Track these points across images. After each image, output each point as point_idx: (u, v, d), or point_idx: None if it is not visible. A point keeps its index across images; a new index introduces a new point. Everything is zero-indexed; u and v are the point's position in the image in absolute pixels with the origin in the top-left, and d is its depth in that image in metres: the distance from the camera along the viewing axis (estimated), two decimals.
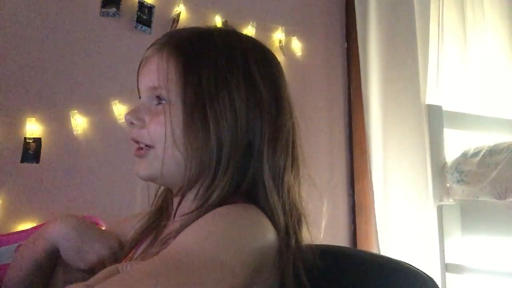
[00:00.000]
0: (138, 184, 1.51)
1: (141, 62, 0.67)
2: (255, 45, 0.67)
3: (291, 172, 0.64)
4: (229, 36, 0.66)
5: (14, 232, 1.25)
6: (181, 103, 0.61)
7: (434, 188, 1.74)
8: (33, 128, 1.37)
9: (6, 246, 1.01)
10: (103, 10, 1.51)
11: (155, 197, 0.75)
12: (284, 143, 0.63)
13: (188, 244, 0.49)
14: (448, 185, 1.76)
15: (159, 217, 0.72)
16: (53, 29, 1.44)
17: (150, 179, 0.66)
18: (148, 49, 0.67)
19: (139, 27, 1.56)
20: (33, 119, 1.37)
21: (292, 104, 0.68)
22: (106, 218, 1.27)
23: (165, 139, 0.60)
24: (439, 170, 1.77)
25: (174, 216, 0.65)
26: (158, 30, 1.60)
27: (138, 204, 0.82)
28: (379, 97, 1.86)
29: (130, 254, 0.70)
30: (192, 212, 0.58)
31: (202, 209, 0.58)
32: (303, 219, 0.64)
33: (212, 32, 0.66)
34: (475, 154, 1.66)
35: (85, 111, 1.45)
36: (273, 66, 0.67)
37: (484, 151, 1.64)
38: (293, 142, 0.65)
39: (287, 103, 0.66)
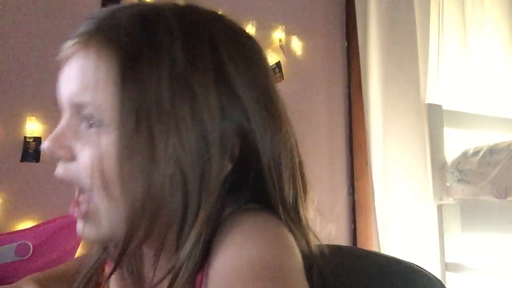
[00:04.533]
0: None
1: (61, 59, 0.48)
2: (228, 30, 0.47)
3: (303, 202, 0.50)
4: (189, 17, 0.45)
5: (14, 232, 1.25)
6: (117, 126, 0.42)
7: (434, 187, 1.74)
8: (33, 127, 1.37)
9: (6, 246, 1.01)
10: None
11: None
12: (289, 171, 0.48)
13: (252, 257, 0.40)
14: (448, 184, 1.76)
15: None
16: (53, 28, 1.43)
17: (100, 242, 0.49)
18: (68, 42, 0.48)
19: None
20: (33, 118, 1.37)
21: (287, 114, 0.50)
22: None
23: (105, 179, 0.42)
24: (439, 169, 1.77)
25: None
26: None
27: None
28: (379, 96, 1.86)
29: None
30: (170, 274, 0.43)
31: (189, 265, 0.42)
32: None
33: (162, 12, 0.44)
34: (475, 153, 1.66)
35: None
36: (255, 60, 0.48)
37: (484, 150, 1.64)
38: (300, 164, 0.50)
39: (282, 112, 0.49)
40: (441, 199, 1.74)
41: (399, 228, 1.76)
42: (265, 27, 1.81)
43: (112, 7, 0.47)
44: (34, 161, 1.35)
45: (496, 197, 1.56)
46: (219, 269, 0.40)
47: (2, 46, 1.37)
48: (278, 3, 1.89)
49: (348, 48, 2.06)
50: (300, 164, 0.50)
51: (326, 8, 2.03)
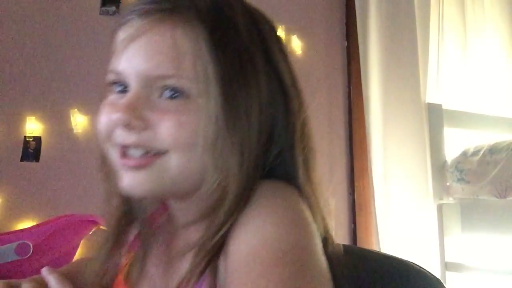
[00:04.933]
0: None
1: (126, 26, 0.48)
2: (264, 16, 0.55)
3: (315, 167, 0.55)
4: (248, 8, 0.53)
5: (14, 231, 1.25)
6: (216, 98, 0.46)
7: (434, 187, 1.74)
8: (33, 127, 1.37)
9: (6, 246, 1.01)
10: (103, 8, 1.51)
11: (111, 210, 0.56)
12: (307, 132, 0.54)
13: (273, 241, 0.41)
14: (448, 183, 1.76)
15: (124, 230, 0.56)
16: (53, 28, 1.44)
17: (151, 196, 0.51)
18: (133, 13, 0.48)
19: None
20: (33, 118, 1.37)
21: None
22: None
23: (185, 143, 0.46)
24: (439, 168, 1.77)
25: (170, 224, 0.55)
26: None
27: None
28: (379, 96, 1.86)
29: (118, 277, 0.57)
30: (206, 217, 0.48)
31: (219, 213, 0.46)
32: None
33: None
34: (475, 152, 1.66)
35: (85, 110, 1.45)
36: (284, 45, 0.56)
37: (484, 149, 1.64)
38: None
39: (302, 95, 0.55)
40: (441, 199, 1.74)
41: (399, 228, 1.76)
42: None
43: None
44: (34, 160, 1.35)
45: (496, 197, 1.56)
46: (237, 249, 0.43)
47: (2, 46, 1.37)
48: (278, 3, 1.89)
49: (348, 48, 2.06)
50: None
51: (326, 8, 2.03)
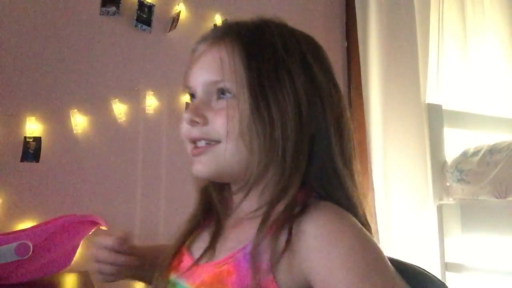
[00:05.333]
0: (138, 183, 1.51)
1: (191, 59, 0.66)
2: (305, 35, 0.68)
3: (356, 159, 0.64)
4: (282, 27, 0.66)
5: (14, 231, 1.25)
6: (247, 95, 0.58)
7: (434, 187, 1.74)
8: (33, 127, 1.37)
9: (6, 246, 1.01)
10: (103, 9, 1.51)
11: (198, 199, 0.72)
12: (348, 129, 0.63)
13: None
14: (448, 184, 1.76)
15: (204, 217, 0.70)
16: (53, 28, 1.43)
17: (212, 176, 0.64)
18: (198, 44, 0.66)
19: (139, 26, 1.56)
20: (33, 118, 1.37)
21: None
22: (106, 218, 1.27)
23: (233, 133, 0.59)
24: (439, 169, 1.77)
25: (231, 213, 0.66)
26: (158, 29, 1.60)
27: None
28: (379, 96, 1.86)
29: (180, 253, 0.68)
30: (262, 207, 0.58)
31: (274, 205, 0.57)
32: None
33: (266, 22, 0.66)
34: (475, 153, 1.66)
35: (85, 110, 1.45)
36: (325, 57, 0.67)
37: (484, 150, 1.64)
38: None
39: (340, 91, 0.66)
40: (441, 199, 1.74)
41: (399, 228, 1.76)
42: None
43: (230, 22, 0.68)
44: (34, 161, 1.35)
45: (496, 197, 1.56)
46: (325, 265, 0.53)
47: (2, 46, 1.37)
48: (278, 3, 1.89)
49: (348, 48, 2.06)
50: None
51: (326, 8, 2.03)
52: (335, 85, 0.64)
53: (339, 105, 0.63)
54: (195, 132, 0.62)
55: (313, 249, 0.53)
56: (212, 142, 0.61)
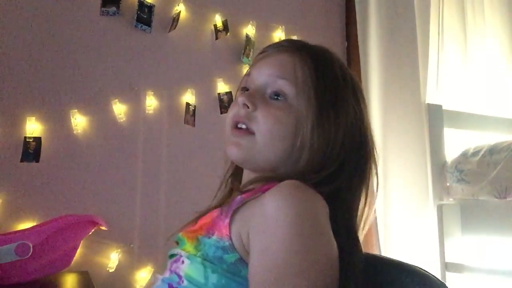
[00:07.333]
0: (138, 183, 1.51)
1: (261, 54, 0.73)
2: (353, 75, 0.75)
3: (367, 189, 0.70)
4: (340, 60, 0.73)
5: (14, 231, 1.25)
6: (314, 103, 0.65)
7: (434, 187, 1.74)
8: (33, 127, 1.37)
9: (6, 246, 1.01)
10: (103, 9, 1.51)
11: (219, 188, 0.78)
12: (369, 162, 0.70)
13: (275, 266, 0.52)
14: (448, 184, 1.76)
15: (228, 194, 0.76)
16: (53, 28, 1.44)
17: (240, 162, 0.70)
18: (268, 47, 0.73)
19: (139, 26, 1.56)
20: (33, 118, 1.37)
21: None
22: (106, 218, 1.27)
23: (272, 131, 0.65)
24: (439, 169, 1.77)
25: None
26: (158, 29, 1.60)
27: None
28: (379, 97, 1.86)
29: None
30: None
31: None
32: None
33: (330, 51, 0.73)
34: (475, 153, 1.66)
35: (85, 110, 1.45)
36: (363, 96, 0.75)
37: (484, 150, 1.64)
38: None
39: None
40: (441, 199, 1.74)
41: (399, 228, 1.76)
42: (265, 28, 1.81)
43: (299, 40, 0.77)
44: (34, 161, 1.35)
45: (496, 197, 1.56)
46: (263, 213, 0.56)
47: (2, 46, 1.37)
48: (278, 3, 1.89)
49: (348, 48, 2.06)
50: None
51: (326, 8, 2.03)
52: (369, 124, 0.72)
53: (372, 138, 0.71)
54: (241, 113, 0.67)
55: (258, 214, 0.57)
56: (249, 131, 0.67)
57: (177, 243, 0.68)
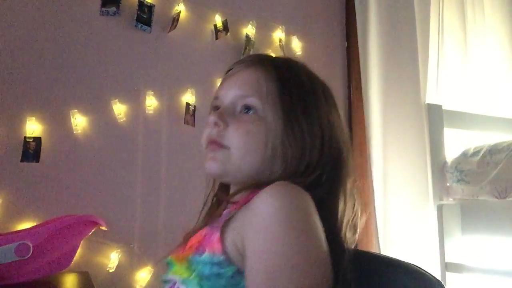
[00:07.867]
0: (138, 183, 1.51)
1: (227, 73, 0.75)
2: (321, 81, 0.76)
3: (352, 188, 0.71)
4: (306, 67, 0.76)
5: (14, 231, 1.25)
6: (280, 115, 0.67)
7: (434, 188, 1.74)
8: (33, 127, 1.37)
9: (6, 246, 1.01)
10: (103, 9, 1.51)
11: (205, 202, 0.79)
12: (346, 165, 0.70)
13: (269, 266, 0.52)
14: (448, 184, 1.76)
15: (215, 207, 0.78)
16: (53, 28, 1.44)
17: (219, 176, 0.72)
18: (234, 65, 0.75)
19: (139, 26, 1.56)
20: (33, 118, 1.37)
21: None
22: (106, 218, 1.27)
23: (246, 144, 0.67)
24: (439, 169, 1.77)
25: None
26: (158, 29, 1.60)
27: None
28: (379, 97, 1.86)
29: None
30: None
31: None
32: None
33: (294, 60, 0.76)
34: (475, 153, 1.66)
35: (85, 111, 1.45)
36: (335, 101, 0.76)
37: (484, 150, 1.64)
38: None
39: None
40: (441, 199, 1.74)
41: (399, 228, 1.76)
42: (265, 27, 1.81)
43: (267, 54, 0.83)
44: (34, 161, 1.35)
45: (496, 197, 1.56)
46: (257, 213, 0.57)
47: (2, 47, 1.37)
48: (278, 3, 1.89)
49: (348, 48, 2.06)
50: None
51: (326, 8, 2.03)
52: (343, 125, 0.74)
53: (347, 143, 0.73)
54: (214, 133, 0.69)
55: (249, 218, 0.58)
56: (223, 146, 0.68)
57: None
